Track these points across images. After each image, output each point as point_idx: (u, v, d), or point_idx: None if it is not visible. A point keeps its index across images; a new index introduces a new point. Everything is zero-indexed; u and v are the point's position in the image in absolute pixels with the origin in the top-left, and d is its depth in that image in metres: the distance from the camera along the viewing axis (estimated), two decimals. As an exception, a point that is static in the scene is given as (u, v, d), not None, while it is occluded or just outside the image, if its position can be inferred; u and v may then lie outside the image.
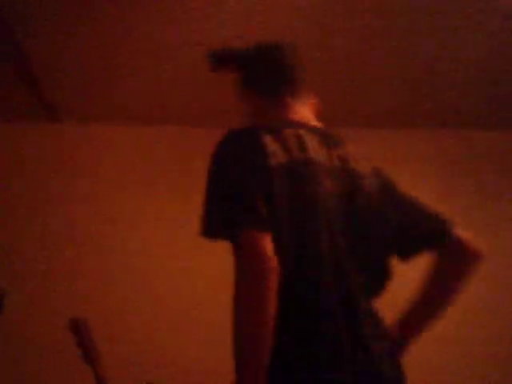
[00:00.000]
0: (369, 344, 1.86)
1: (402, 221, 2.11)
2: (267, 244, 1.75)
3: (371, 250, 2.01)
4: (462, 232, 2.12)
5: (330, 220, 1.92)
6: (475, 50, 3.95)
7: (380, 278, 2.04)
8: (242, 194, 1.83)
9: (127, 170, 4.87)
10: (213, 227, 1.85)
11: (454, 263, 2.12)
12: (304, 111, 2.16)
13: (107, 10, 3.52)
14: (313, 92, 2.23)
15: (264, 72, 2.19)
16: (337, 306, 1.85)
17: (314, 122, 2.17)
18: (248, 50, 2.21)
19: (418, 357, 2.43)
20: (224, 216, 1.82)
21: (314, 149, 2.00)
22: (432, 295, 2.13)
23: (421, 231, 2.14)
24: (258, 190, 1.83)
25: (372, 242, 2.01)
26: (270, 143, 1.92)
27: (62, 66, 4.08)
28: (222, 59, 2.21)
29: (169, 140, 4.93)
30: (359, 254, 1.95)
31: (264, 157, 1.89)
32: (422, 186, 4.46)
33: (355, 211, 1.99)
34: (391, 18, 3.62)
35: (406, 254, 2.13)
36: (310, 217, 1.89)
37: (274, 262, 1.73)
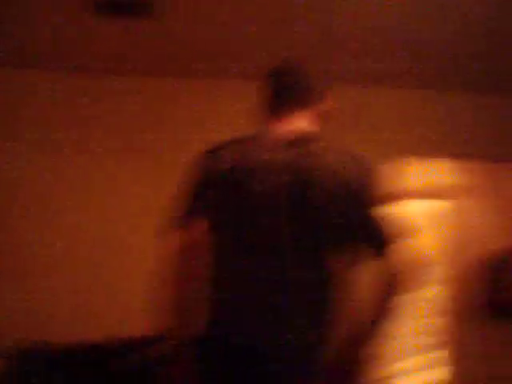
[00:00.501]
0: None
1: (351, 220, 2.28)
2: (195, 229, 2.44)
3: (309, 238, 2.30)
4: (397, 255, 2.25)
5: (262, 215, 2.33)
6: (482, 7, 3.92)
7: (318, 273, 2.28)
8: (193, 192, 2.51)
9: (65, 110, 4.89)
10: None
11: (383, 285, 2.27)
12: (290, 123, 2.54)
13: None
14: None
15: (266, 95, 2.65)
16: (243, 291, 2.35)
17: (297, 130, 2.52)
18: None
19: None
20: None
21: (272, 150, 2.43)
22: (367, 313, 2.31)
23: (362, 235, 2.29)
24: (201, 189, 2.49)
25: (311, 230, 2.27)
26: (225, 153, 2.49)
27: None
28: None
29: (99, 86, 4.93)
30: (295, 248, 2.28)
31: (214, 164, 2.49)
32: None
33: (302, 200, 2.28)
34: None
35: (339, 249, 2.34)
36: (250, 209, 2.36)
37: (193, 240, 2.42)
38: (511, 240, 5.49)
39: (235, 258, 2.35)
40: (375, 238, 2.31)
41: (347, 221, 2.30)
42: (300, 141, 2.43)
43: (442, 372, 5.50)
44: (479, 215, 5.83)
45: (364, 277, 2.34)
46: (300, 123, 2.54)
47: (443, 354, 5.66)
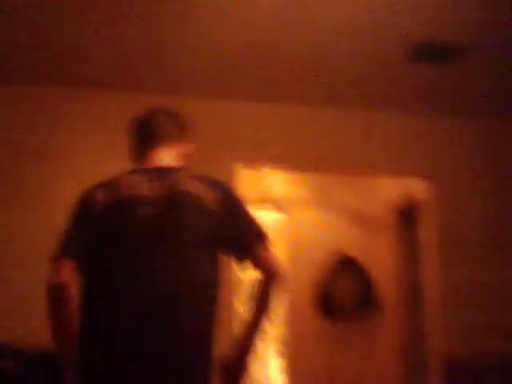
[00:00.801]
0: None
1: (223, 230, 2.66)
2: (65, 269, 2.58)
3: (182, 256, 2.57)
4: (265, 251, 2.65)
5: (138, 236, 2.57)
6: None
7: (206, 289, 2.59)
8: (67, 231, 2.67)
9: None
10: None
11: (260, 281, 2.63)
12: (158, 158, 2.86)
13: None
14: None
15: (133, 140, 2.99)
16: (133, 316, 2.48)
17: (164, 164, 2.85)
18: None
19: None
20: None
21: (140, 186, 2.67)
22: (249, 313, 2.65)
23: (232, 242, 2.68)
24: (76, 227, 2.67)
25: (183, 247, 2.58)
26: (99, 192, 2.69)
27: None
28: None
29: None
30: (176, 267, 2.55)
31: (89, 203, 2.67)
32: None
33: (178, 227, 2.59)
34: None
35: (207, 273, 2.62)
36: (123, 242, 2.59)
37: (66, 280, 2.57)
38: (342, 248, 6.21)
39: (121, 280, 2.54)
40: (239, 244, 2.71)
41: (216, 233, 2.66)
42: (162, 174, 2.74)
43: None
44: (311, 226, 6.48)
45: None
46: (163, 160, 2.88)
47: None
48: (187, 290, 2.53)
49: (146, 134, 3.00)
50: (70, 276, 2.57)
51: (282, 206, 6.61)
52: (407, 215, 6.40)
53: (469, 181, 5.77)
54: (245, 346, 2.69)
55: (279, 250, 6.37)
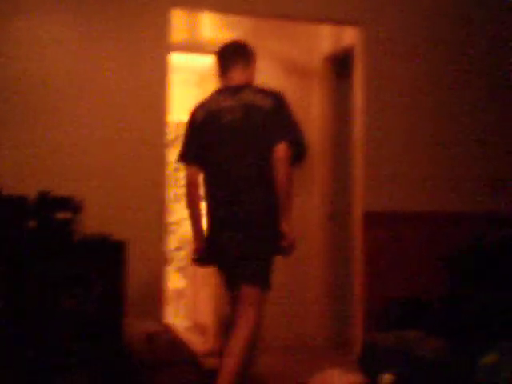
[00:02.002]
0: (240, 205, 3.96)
1: (273, 126, 3.98)
2: (192, 171, 4.16)
3: (252, 151, 3.99)
4: (284, 147, 3.93)
5: (228, 139, 4.01)
6: None
7: (260, 179, 3.97)
8: (185, 144, 4.23)
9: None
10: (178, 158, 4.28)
11: (275, 169, 3.97)
12: (234, 78, 4.22)
13: None
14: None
15: (218, 63, 4.37)
16: (224, 193, 4.02)
17: (239, 83, 4.21)
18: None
19: None
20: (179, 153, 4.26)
21: (224, 101, 4.10)
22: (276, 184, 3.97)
23: (270, 137, 3.96)
24: (191, 140, 4.18)
25: (251, 144, 3.99)
26: (199, 111, 4.17)
27: None
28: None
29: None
30: (244, 155, 3.97)
31: (195, 120, 4.15)
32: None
33: (243, 126, 3.99)
34: None
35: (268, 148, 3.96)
36: (216, 141, 4.05)
37: (192, 179, 4.17)
38: None
39: (214, 172, 4.09)
40: (282, 136, 3.98)
41: (271, 128, 3.99)
42: (240, 88, 4.14)
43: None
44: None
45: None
46: (241, 78, 4.25)
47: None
48: (255, 171, 3.98)
49: (225, 61, 4.32)
50: (195, 171, 4.16)
51: (212, 48, 5.90)
52: (339, 63, 6.68)
53: (401, 28, 6.03)
54: (285, 216, 4.01)
55: (208, 92, 7.26)
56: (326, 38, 6.70)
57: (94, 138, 5.32)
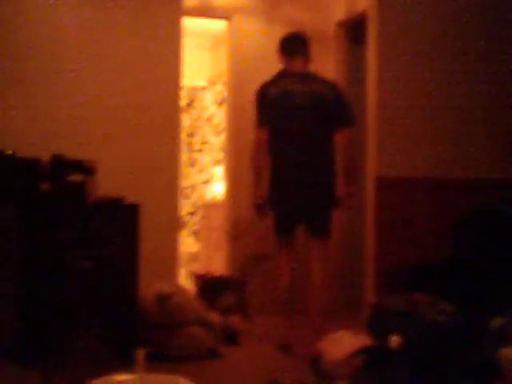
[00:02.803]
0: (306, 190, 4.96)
1: (336, 114, 5.06)
2: (263, 134, 5.00)
3: (322, 128, 5.00)
4: (344, 132, 5.06)
5: (299, 115, 4.94)
6: None
7: (324, 151, 5.02)
8: (258, 112, 5.08)
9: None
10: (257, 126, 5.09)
11: (339, 140, 5.09)
12: (298, 65, 5.13)
13: None
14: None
15: (283, 49, 5.24)
16: (293, 162, 4.97)
17: (302, 70, 5.13)
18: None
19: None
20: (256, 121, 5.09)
21: (293, 84, 5.04)
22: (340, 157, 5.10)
23: (338, 120, 5.07)
24: (263, 110, 5.04)
25: (317, 124, 4.98)
26: (271, 88, 5.05)
27: None
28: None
29: None
30: (315, 130, 4.96)
31: (267, 95, 5.02)
32: None
33: (310, 109, 4.96)
34: None
35: (332, 130, 5.05)
36: (288, 115, 4.96)
37: (261, 142, 5.01)
38: None
39: (284, 140, 5.02)
40: (344, 123, 5.12)
41: (334, 114, 5.07)
42: (307, 76, 5.13)
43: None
44: (254, 35, 6.61)
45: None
46: (303, 65, 5.17)
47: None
48: (314, 146, 5.02)
49: (288, 50, 5.20)
50: (265, 135, 5.00)
51: (225, 12, 6.60)
52: (353, 29, 6.69)
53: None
54: (346, 181, 5.12)
55: (221, 57, 7.13)
56: (340, 4, 6.66)
57: (107, 102, 5.37)
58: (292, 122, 4.98)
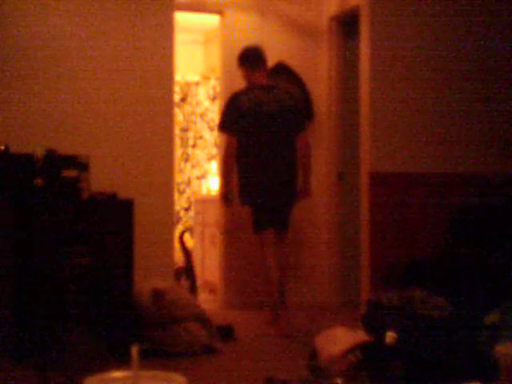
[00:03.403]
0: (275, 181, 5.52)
1: (295, 119, 5.58)
2: (230, 140, 5.54)
3: (286, 133, 5.53)
4: (304, 136, 5.62)
5: (269, 122, 5.45)
6: None
7: (288, 155, 5.52)
8: (225, 120, 5.60)
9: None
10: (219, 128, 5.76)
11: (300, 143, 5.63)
12: (261, 76, 5.58)
13: None
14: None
15: (246, 60, 5.66)
16: (264, 163, 5.48)
17: (266, 81, 5.62)
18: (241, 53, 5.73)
19: None
20: (220, 126, 5.68)
21: (263, 94, 5.50)
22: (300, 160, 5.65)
23: (298, 125, 5.62)
24: (234, 118, 5.48)
25: (283, 130, 5.50)
26: (243, 98, 5.48)
27: None
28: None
29: None
30: (282, 135, 5.50)
31: (238, 105, 5.45)
32: None
33: (278, 116, 5.47)
34: None
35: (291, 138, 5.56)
36: (253, 125, 5.45)
37: (230, 148, 5.53)
38: (278, 56, 6.01)
39: (256, 143, 5.48)
40: (302, 128, 5.68)
41: (294, 120, 5.60)
42: (272, 87, 5.64)
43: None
44: (247, 29, 6.65)
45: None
46: (265, 77, 5.66)
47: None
48: (280, 151, 5.52)
49: (251, 63, 5.65)
50: (231, 142, 5.50)
51: (218, 7, 6.60)
52: (346, 23, 6.70)
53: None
54: (304, 179, 5.67)
55: (214, 52, 7.17)
56: (332, -3, 6.66)
57: (101, 97, 5.35)
58: (263, 128, 5.45)
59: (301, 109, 5.76)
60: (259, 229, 5.49)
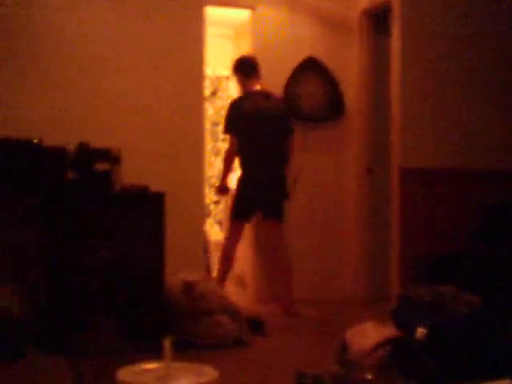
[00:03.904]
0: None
1: (286, 124, 6.11)
2: (233, 140, 5.97)
3: (280, 135, 6.06)
4: (292, 140, 6.13)
5: (267, 126, 5.94)
6: None
7: (281, 154, 6.05)
8: (228, 123, 6.02)
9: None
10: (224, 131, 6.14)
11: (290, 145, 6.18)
12: (255, 84, 5.99)
13: None
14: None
15: (241, 68, 6.09)
16: (257, 159, 5.96)
17: (260, 88, 6.02)
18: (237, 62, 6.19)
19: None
20: (225, 129, 6.09)
21: (261, 100, 5.96)
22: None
23: (288, 129, 6.13)
24: (236, 121, 5.94)
25: (277, 132, 6.03)
26: (245, 103, 5.94)
27: None
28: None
29: None
30: (277, 137, 6.03)
31: (240, 109, 5.92)
32: None
33: (274, 120, 5.98)
34: None
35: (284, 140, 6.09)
36: (254, 128, 5.92)
37: (233, 147, 5.98)
38: (309, 50, 6.82)
39: (256, 144, 5.90)
40: (291, 132, 6.14)
41: (284, 125, 6.06)
42: (266, 94, 6.01)
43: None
44: (278, 24, 6.69)
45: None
46: (257, 85, 6.01)
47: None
48: (276, 150, 6.01)
49: (247, 71, 6.05)
50: (234, 142, 5.90)
51: (249, 2, 6.61)
52: (377, 18, 6.65)
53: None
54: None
55: (244, 47, 7.03)
56: (365, -8, 6.63)
57: (133, 91, 5.39)
58: (262, 129, 5.89)
59: (288, 115, 6.17)
60: (239, 216, 5.98)
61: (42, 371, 3.95)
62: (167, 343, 2.59)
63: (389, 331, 3.97)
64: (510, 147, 5.96)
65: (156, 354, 2.67)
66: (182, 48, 5.54)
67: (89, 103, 5.28)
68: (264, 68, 6.14)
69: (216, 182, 8.73)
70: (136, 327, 4.26)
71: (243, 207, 5.98)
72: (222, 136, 8.75)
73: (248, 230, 6.50)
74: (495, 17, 5.99)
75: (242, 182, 5.95)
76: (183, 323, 4.60)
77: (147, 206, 4.66)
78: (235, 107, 5.93)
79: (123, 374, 2.57)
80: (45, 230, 4.46)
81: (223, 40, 8.26)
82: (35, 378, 3.85)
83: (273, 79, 6.32)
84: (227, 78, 8.65)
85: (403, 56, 5.81)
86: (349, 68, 6.75)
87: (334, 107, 6.72)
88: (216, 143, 8.69)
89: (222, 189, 6.12)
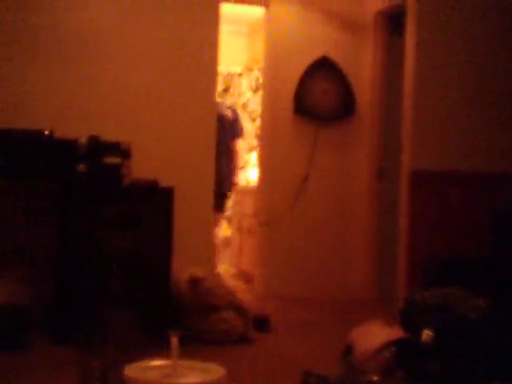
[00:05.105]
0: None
1: (236, 128, 7.62)
2: None
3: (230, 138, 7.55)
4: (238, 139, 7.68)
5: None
6: None
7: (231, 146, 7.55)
8: None
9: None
10: None
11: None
12: None
13: None
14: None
15: None
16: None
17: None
18: None
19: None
20: None
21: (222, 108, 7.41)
22: None
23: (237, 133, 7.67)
24: None
25: (231, 134, 7.50)
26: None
27: None
28: None
29: None
30: (229, 139, 7.48)
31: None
32: None
33: (230, 127, 7.46)
34: None
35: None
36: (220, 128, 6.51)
37: None
38: (322, 49, 6.90)
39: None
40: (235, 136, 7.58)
41: (236, 129, 7.55)
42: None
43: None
44: (292, 22, 6.71)
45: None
46: None
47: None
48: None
49: None
50: None
51: None
52: (392, 19, 6.65)
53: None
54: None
55: (258, 44, 7.31)
56: (379, -8, 6.62)
57: (145, 85, 5.39)
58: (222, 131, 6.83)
59: (240, 120, 7.55)
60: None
61: (46, 362, 3.97)
62: (174, 340, 2.60)
63: (394, 332, 3.97)
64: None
65: (161, 346, 2.69)
66: (196, 44, 5.54)
67: (101, 97, 5.28)
68: (277, 66, 6.15)
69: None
70: (144, 320, 4.27)
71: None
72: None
73: (257, 229, 6.53)
74: (511, 18, 5.95)
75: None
76: (189, 318, 4.62)
77: (156, 200, 4.67)
78: None
79: (130, 370, 2.57)
80: (57, 221, 4.50)
81: (236, 36, 8.28)
82: (36, 370, 3.86)
83: (286, 77, 6.33)
84: (240, 74, 8.68)
85: (417, 57, 5.77)
86: (362, 68, 6.75)
87: (346, 106, 6.72)
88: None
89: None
